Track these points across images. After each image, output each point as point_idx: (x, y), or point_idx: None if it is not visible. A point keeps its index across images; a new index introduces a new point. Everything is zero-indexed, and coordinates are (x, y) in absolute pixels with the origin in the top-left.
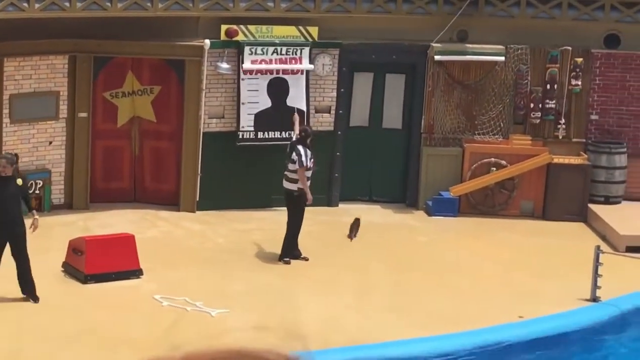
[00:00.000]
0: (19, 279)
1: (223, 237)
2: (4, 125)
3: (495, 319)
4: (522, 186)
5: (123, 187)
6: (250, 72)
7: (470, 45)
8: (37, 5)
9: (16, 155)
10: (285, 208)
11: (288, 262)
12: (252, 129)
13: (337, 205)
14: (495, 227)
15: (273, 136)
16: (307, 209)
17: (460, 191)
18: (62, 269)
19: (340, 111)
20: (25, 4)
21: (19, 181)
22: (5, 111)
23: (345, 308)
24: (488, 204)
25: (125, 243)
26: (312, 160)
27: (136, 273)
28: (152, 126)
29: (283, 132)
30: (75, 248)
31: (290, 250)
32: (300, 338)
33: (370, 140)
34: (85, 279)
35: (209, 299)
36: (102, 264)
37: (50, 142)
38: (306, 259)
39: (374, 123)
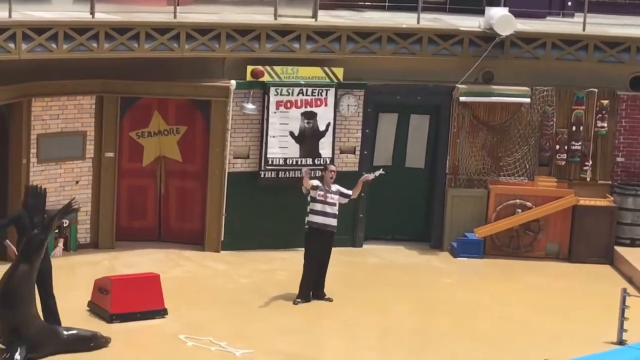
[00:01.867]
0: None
1: (246, 278)
2: (31, 164)
3: None
4: (548, 228)
5: (148, 226)
6: (278, 108)
7: (496, 87)
8: (65, 46)
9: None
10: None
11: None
12: (275, 168)
13: (362, 246)
14: (520, 269)
15: (296, 176)
16: (337, 250)
17: (485, 232)
18: (88, 308)
19: (365, 152)
20: (54, 45)
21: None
22: (33, 151)
23: (367, 350)
24: (513, 246)
25: (151, 283)
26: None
27: (161, 313)
28: (178, 166)
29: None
30: (101, 287)
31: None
32: None
33: (393, 180)
34: (110, 318)
35: (233, 339)
36: (127, 303)
37: (77, 182)
38: (330, 300)
39: (397, 162)
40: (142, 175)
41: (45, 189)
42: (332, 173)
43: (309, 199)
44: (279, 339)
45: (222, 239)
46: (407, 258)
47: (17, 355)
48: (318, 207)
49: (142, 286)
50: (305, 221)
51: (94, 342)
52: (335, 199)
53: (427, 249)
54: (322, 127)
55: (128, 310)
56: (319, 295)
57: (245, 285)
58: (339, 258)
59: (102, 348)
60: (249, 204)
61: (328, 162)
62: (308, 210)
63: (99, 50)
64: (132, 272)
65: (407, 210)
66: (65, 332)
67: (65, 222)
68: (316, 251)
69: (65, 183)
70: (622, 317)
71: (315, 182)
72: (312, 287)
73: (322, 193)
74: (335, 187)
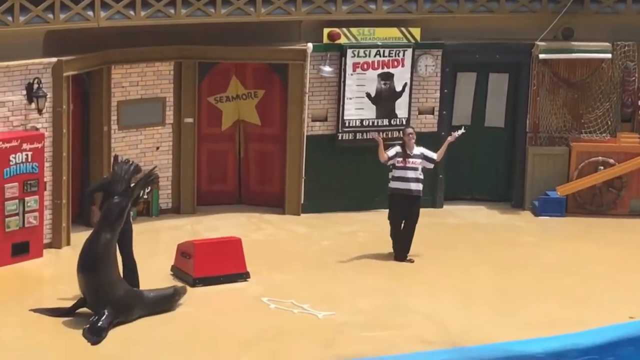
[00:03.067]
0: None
1: (327, 240)
2: (112, 131)
3: (604, 320)
4: (631, 185)
5: (228, 189)
6: (355, 70)
7: (576, 43)
8: (142, 13)
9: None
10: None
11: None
12: (352, 130)
13: (442, 207)
14: (603, 227)
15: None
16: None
17: (567, 191)
18: (171, 273)
19: (444, 112)
20: (132, 12)
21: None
22: (114, 118)
23: (450, 309)
24: (596, 204)
25: (233, 246)
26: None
27: (243, 276)
28: (257, 129)
29: (383, 133)
30: (184, 252)
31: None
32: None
33: (472, 139)
34: (193, 282)
35: (315, 302)
36: (210, 267)
37: (157, 148)
38: (412, 261)
39: (476, 122)
40: (221, 139)
41: (132, 162)
42: (411, 136)
43: (389, 165)
44: (361, 301)
45: (302, 201)
46: (488, 218)
47: (104, 319)
48: (398, 173)
49: (225, 250)
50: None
51: (178, 296)
52: (417, 162)
53: (507, 209)
54: (398, 88)
55: (211, 274)
56: (402, 257)
57: (326, 247)
58: (420, 219)
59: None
60: (327, 166)
61: (405, 126)
62: (390, 176)
63: (176, 16)
64: (214, 236)
65: (486, 169)
66: (149, 294)
67: (147, 189)
68: (398, 216)
69: (145, 149)
70: None
71: (392, 152)
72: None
73: (400, 159)
74: (418, 150)
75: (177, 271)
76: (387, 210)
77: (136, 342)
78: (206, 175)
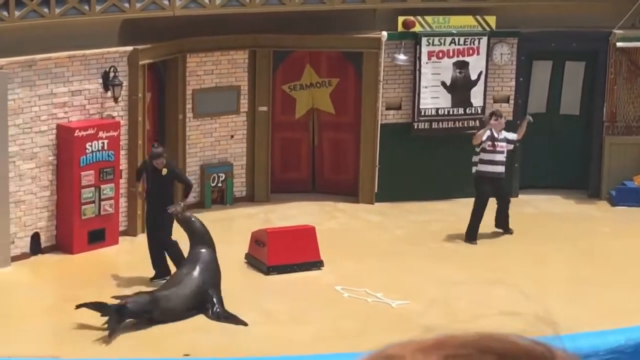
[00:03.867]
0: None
1: (401, 229)
2: (187, 119)
3: None
4: None
5: (302, 177)
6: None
7: None
8: (217, 2)
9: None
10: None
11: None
12: (427, 119)
13: (517, 196)
14: None
15: (449, 126)
16: (492, 200)
17: None
18: (245, 261)
19: (519, 100)
20: (207, 0)
21: (164, 172)
22: (189, 106)
23: (526, 299)
24: None
25: (307, 235)
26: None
27: (317, 264)
28: (331, 118)
29: (458, 122)
30: (258, 240)
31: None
32: (551, 323)
33: (547, 127)
34: (267, 270)
35: (389, 291)
36: (284, 255)
37: (232, 136)
38: (512, 232)
39: (551, 109)
40: (295, 127)
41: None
42: (503, 121)
43: (477, 149)
44: (435, 290)
45: (376, 190)
46: (564, 207)
47: None
48: (487, 156)
49: (298, 238)
50: (474, 170)
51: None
52: (503, 146)
53: (583, 198)
54: (474, 77)
55: (285, 262)
56: (506, 229)
57: (400, 236)
58: (495, 207)
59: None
60: (402, 155)
61: (495, 111)
62: (477, 159)
63: (250, 4)
64: (287, 225)
65: (562, 158)
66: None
67: (222, 176)
68: (486, 197)
69: (220, 137)
70: None
71: (485, 136)
72: (476, 233)
73: (490, 143)
74: (502, 135)
75: (251, 259)
76: (462, 199)
77: (209, 330)
78: (280, 163)
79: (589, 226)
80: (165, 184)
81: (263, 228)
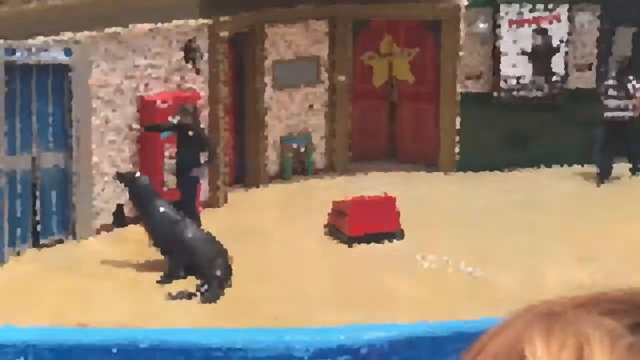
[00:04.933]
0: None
1: (482, 199)
2: (267, 91)
3: None
4: None
5: (381, 146)
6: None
7: None
8: None
9: (195, 108)
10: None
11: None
12: (508, 87)
13: None
14: None
15: (530, 95)
16: (571, 170)
17: None
18: (326, 231)
19: (602, 68)
20: None
21: (190, 133)
22: (268, 77)
23: (601, 269)
24: None
25: (388, 205)
26: None
27: (398, 235)
28: (410, 87)
29: (540, 91)
30: (339, 210)
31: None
32: None
33: None
34: (348, 240)
35: (470, 260)
36: (365, 225)
37: (311, 107)
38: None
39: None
40: (373, 97)
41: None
42: None
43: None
44: (515, 260)
45: (457, 159)
46: None
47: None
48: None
49: (380, 208)
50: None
51: None
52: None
53: None
54: (555, 44)
55: (366, 232)
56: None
57: (481, 206)
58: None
59: None
60: (482, 124)
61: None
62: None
63: None
64: (368, 195)
65: None
66: None
67: (302, 148)
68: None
69: (300, 108)
70: None
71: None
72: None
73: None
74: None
75: (332, 229)
76: (543, 169)
77: (292, 300)
78: (359, 132)
79: None
80: (190, 146)
81: (344, 199)
